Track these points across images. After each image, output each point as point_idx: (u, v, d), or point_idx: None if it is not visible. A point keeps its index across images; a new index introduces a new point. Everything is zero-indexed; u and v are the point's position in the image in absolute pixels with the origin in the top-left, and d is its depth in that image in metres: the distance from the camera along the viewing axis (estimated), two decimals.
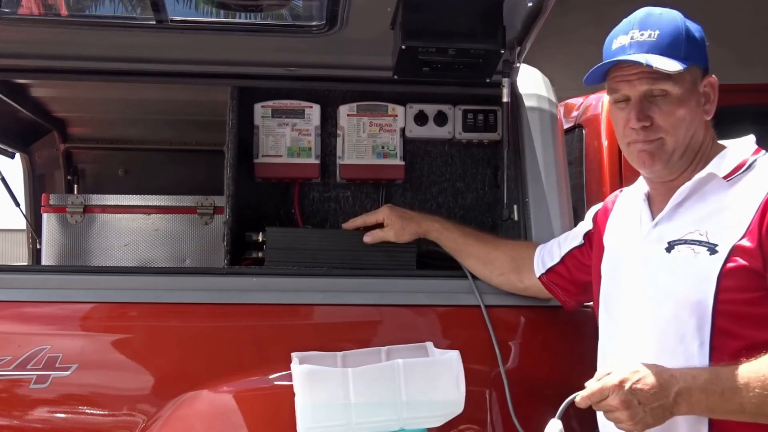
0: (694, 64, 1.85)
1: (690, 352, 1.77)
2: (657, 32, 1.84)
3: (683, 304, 1.79)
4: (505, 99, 2.40)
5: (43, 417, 2.21)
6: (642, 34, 1.85)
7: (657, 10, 1.89)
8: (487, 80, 2.44)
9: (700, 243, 1.78)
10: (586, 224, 2.25)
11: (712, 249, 1.76)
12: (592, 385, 1.72)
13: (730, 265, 1.74)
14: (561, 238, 2.31)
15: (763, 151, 1.88)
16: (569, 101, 3.02)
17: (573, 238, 2.26)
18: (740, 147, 1.89)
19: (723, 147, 1.91)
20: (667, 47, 1.82)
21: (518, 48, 2.41)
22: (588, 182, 2.68)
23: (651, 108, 1.84)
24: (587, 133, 2.73)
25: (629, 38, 1.86)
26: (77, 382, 2.21)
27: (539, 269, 2.28)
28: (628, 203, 2.08)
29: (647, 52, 1.82)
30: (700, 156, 1.89)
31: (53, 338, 2.23)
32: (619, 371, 1.70)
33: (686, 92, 1.84)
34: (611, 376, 1.70)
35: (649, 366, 1.70)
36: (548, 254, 2.29)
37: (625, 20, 1.91)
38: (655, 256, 1.87)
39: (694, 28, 1.88)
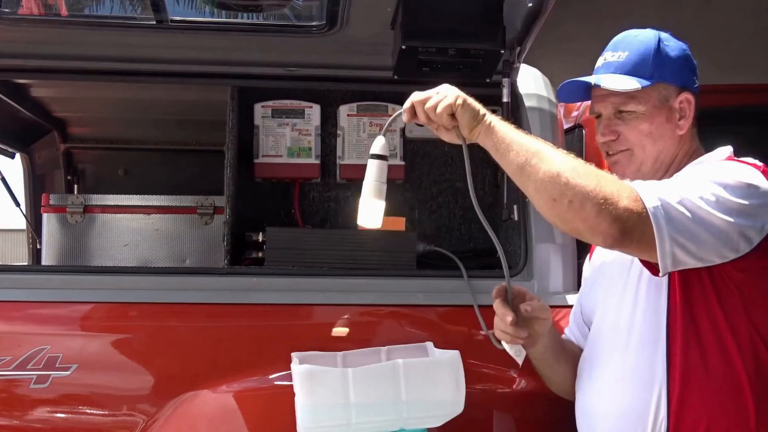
0: (663, 81, 1.89)
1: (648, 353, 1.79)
2: (626, 53, 1.93)
3: (639, 309, 1.82)
4: (505, 99, 2.40)
5: (43, 417, 2.21)
6: (613, 56, 1.95)
7: (634, 32, 1.95)
8: (487, 80, 2.44)
9: None
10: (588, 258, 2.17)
11: None
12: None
13: (678, 276, 1.75)
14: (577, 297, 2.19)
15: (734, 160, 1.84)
16: None
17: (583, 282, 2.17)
18: (714, 157, 1.88)
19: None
20: (633, 67, 1.91)
21: (518, 48, 2.41)
22: None
23: (619, 123, 1.92)
24: (587, 133, 2.73)
25: (603, 59, 1.96)
26: (77, 382, 2.21)
27: (580, 341, 2.11)
28: None
29: (613, 73, 1.91)
30: (674, 168, 1.89)
31: (53, 338, 2.23)
32: None
33: (652, 108, 1.89)
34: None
35: None
36: (572, 317, 2.17)
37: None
38: (624, 261, 1.89)
39: (674, 47, 1.92)
